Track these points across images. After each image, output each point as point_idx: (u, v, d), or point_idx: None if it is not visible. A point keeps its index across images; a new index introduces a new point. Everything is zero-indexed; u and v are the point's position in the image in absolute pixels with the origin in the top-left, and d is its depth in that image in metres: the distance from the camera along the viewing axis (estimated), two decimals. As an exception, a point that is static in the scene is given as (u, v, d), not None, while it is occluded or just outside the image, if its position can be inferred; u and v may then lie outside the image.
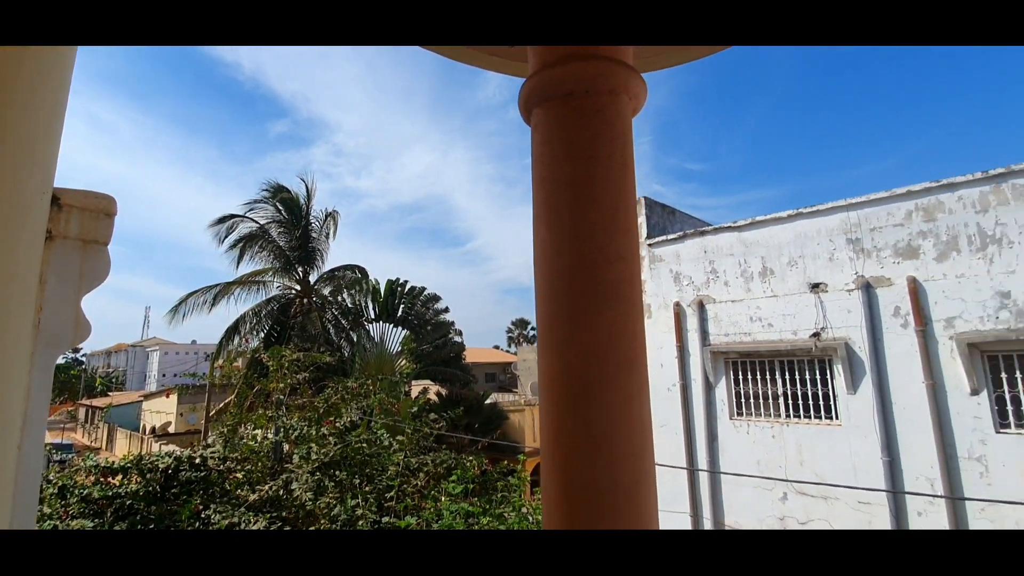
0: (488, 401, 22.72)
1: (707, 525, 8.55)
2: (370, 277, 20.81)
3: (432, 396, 19.57)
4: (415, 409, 8.59)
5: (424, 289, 21.81)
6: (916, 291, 7.14)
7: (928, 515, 6.79)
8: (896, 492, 6.95)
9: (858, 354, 7.53)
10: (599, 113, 1.23)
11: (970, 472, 6.58)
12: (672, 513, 8.71)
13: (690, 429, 9.03)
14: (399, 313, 20.62)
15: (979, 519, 6.47)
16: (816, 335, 7.83)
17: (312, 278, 19.94)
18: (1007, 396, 6.56)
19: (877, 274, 7.50)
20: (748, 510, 8.25)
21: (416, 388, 20.91)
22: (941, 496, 6.62)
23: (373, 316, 20.25)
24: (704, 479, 8.75)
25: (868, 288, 7.54)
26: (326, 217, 19.86)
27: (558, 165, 1.22)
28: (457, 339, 23.68)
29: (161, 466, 6.17)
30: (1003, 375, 6.61)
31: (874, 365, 7.36)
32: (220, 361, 17.44)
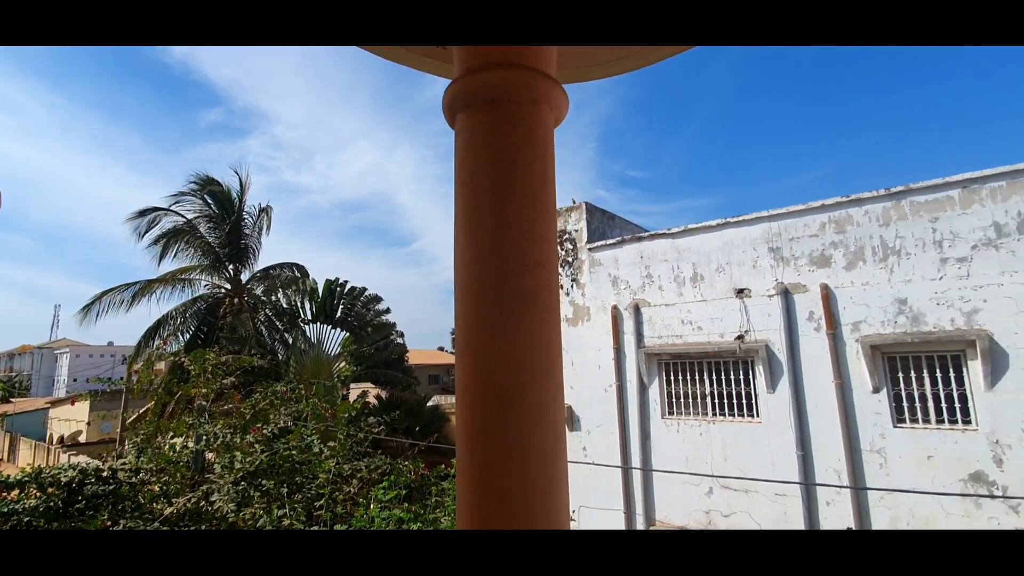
0: (430, 403, 22.44)
1: (639, 521, 8.84)
2: (310, 276, 20.05)
3: (372, 399, 19.10)
4: (352, 413, 8.32)
5: (365, 289, 21.26)
6: (828, 297, 7.72)
7: (835, 504, 7.35)
8: (808, 484, 7.47)
9: (777, 355, 8.05)
10: (522, 121, 1.24)
11: (871, 463, 7.19)
12: (608, 511, 8.95)
13: (625, 428, 9.32)
14: (338, 314, 19.97)
15: (879, 506, 7.08)
16: (740, 338, 8.30)
17: (244, 276, 18.97)
18: (903, 393, 7.22)
19: (794, 281, 8.05)
20: (678, 505, 8.61)
21: (356, 391, 20.34)
22: (848, 487, 7.18)
23: (310, 317, 19.51)
24: (638, 476, 9.05)
25: (786, 294, 8.08)
26: (260, 212, 18.95)
27: (479, 171, 1.22)
28: (400, 341, 23.22)
29: (64, 479, 5.66)
30: (900, 374, 7.27)
31: (791, 366, 7.89)
32: (138, 365, 16.21)
